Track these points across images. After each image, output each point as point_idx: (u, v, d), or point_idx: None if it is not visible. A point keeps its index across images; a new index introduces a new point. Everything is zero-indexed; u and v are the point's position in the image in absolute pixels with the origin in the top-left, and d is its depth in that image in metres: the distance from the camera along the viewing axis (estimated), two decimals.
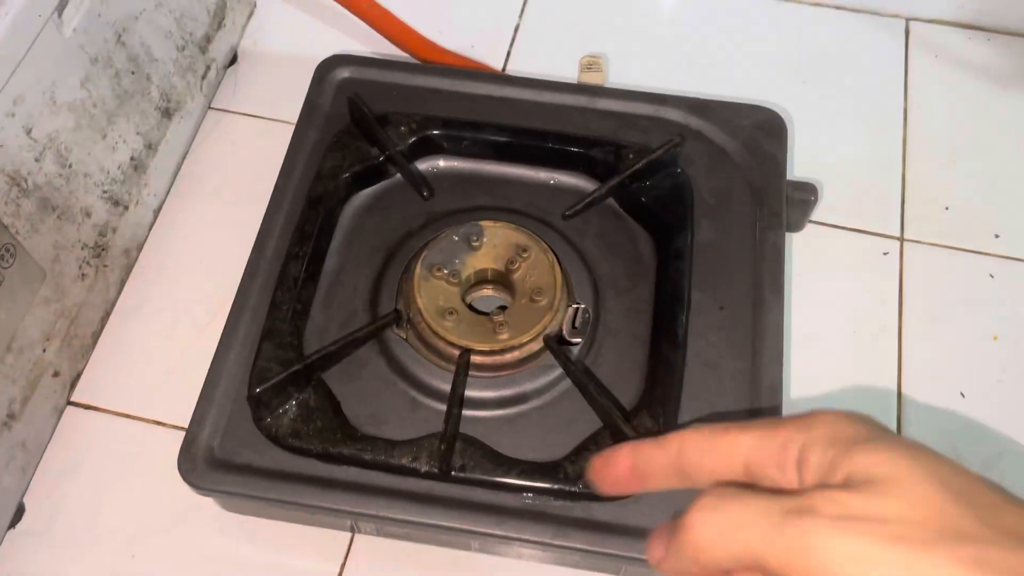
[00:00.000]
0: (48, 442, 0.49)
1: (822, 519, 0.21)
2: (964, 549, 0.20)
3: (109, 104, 0.49)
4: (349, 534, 0.47)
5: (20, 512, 0.48)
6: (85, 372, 0.52)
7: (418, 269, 0.48)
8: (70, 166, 0.47)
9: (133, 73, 0.51)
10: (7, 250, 0.43)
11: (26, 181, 0.44)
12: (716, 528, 0.23)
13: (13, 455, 0.46)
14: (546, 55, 0.64)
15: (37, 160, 0.44)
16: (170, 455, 0.44)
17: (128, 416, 0.51)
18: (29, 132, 0.43)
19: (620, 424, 0.41)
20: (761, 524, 0.22)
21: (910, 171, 0.60)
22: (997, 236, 0.56)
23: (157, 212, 0.57)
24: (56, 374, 0.49)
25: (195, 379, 0.46)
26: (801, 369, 0.51)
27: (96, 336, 0.52)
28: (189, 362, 0.52)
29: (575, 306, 0.48)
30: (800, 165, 0.59)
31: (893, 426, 0.50)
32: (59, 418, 0.50)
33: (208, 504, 0.46)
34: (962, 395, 0.51)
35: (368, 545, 0.47)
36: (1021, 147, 0.61)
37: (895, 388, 0.51)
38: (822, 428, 0.23)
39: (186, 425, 0.45)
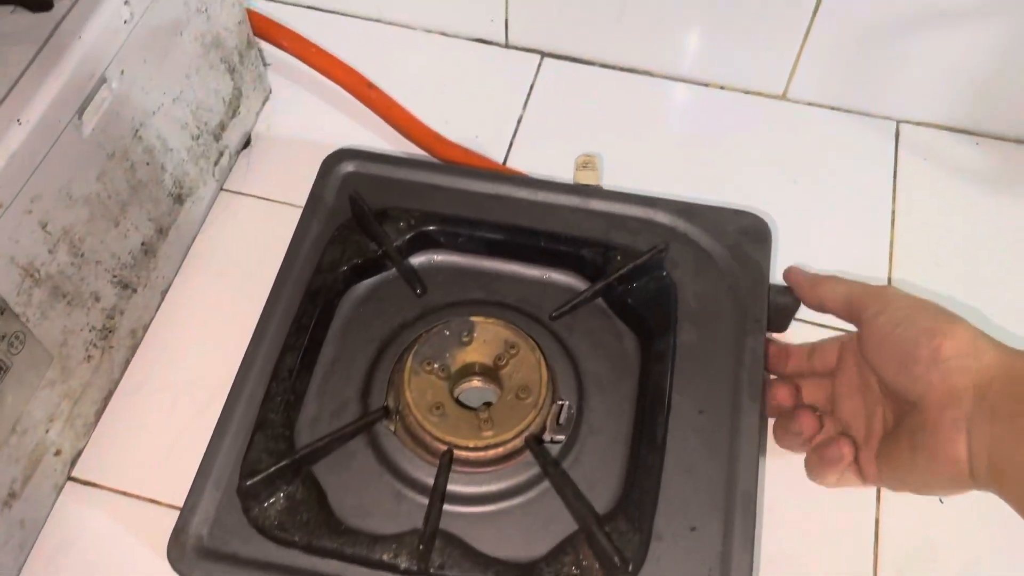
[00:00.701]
0: (46, 518, 0.51)
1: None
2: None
3: (123, 194, 0.52)
4: None
5: None
6: (86, 449, 0.54)
7: (409, 363, 0.49)
8: (82, 255, 0.49)
9: (148, 164, 0.54)
10: (16, 338, 0.45)
11: (39, 272, 0.46)
12: (831, 283, 0.47)
13: (12, 533, 0.48)
14: (546, 148, 0.67)
15: (51, 252, 0.47)
16: (163, 534, 0.45)
17: (125, 494, 0.53)
18: (45, 227, 0.46)
19: (594, 530, 0.42)
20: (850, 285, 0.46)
21: (896, 272, 0.61)
22: None
23: (165, 293, 0.59)
24: (58, 452, 0.51)
25: (191, 459, 0.47)
26: (779, 475, 0.52)
27: (99, 414, 0.54)
28: (187, 441, 0.53)
29: (560, 403, 0.49)
30: (787, 262, 0.60)
31: (868, 548, 0.51)
32: (58, 495, 0.52)
33: None
34: (940, 501, 0.52)
35: None
36: (1007, 250, 0.62)
37: (874, 500, 0.52)
38: None
39: (180, 504, 0.46)
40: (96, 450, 0.54)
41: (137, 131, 0.52)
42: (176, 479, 0.49)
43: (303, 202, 0.57)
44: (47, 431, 0.49)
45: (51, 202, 0.46)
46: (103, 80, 0.48)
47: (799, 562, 0.50)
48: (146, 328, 0.58)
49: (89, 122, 0.47)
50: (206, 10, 0.57)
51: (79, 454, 0.53)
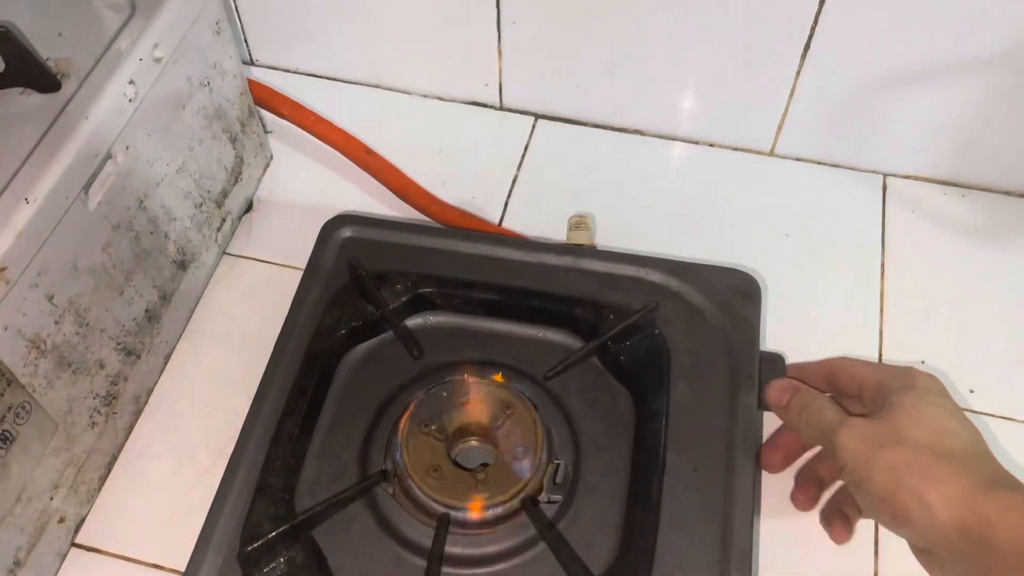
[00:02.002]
0: None
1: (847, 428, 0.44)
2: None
3: (128, 264, 0.53)
4: None
5: None
6: (90, 515, 0.54)
7: (407, 426, 0.50)
8: (87, 324, 0.51)
9: (152, 233, 0.56)
10: (23, 408, 0.46)
11: (45, 343, 0.47)
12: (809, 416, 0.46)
13: None
14: (541, 207, 0.68)
15: (57, 323, 0.48)
16: None
17: (129, 559, 0.53)
18: (51, 299, 0.47)
19: None
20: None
21: (887, 325, 0.62)
22: (972, 391, 0.58)
23: (168, 357, 0.60)
24: (62, 520, 0.51)
25: (195, 522, 0.48)
26: (774, 532, 0.52)
27: (103, 480, 0.55)
28: (190, 505, 0.54)
29: (556, 463, 0.50)
30: (780, 317, 0.61)
31: None
32: (62, 562, 0.52)
33: None
34: None
35: None
36: (996, 302, 0.63)
37: (872, 552, 0.52)
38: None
39: (183, 568, 0.47)
40: (100, 516, 0.54)
41: (141, 202, 0.54)
42: (179, 543, 0.49)
43: (304, 264, 0.59)
44: (51, 498, 0.50)
45: (57, 275, 0.47)
46: (108, 156, 0.49)
47: None
48: (149, 393, 0.59)
49: (95, 196, 0.49)
50: (208, 83, 0.59)
51: (83, 520, 0.54)
